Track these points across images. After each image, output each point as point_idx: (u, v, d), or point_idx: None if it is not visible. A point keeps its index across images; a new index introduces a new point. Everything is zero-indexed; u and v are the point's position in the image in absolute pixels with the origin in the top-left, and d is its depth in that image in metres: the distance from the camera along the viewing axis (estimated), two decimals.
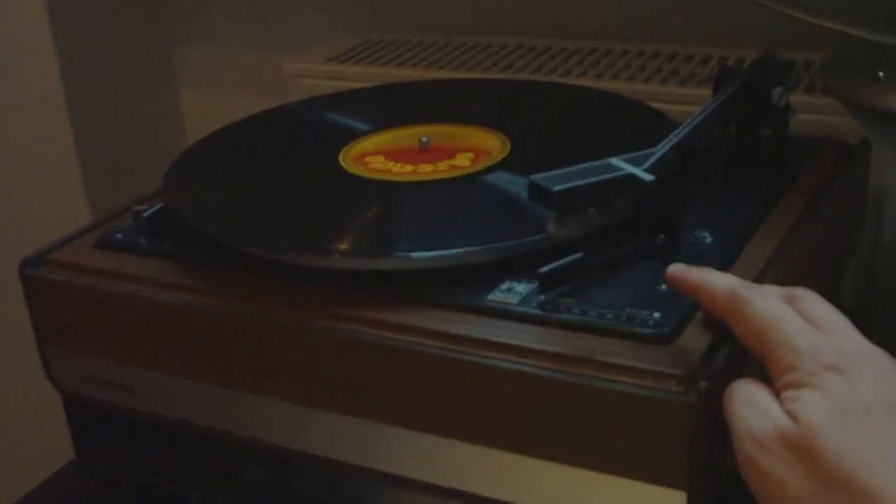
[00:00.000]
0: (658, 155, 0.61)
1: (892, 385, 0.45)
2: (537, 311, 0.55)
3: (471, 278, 0.58)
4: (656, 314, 0.54)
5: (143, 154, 1.16)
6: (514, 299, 0.56)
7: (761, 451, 0.45)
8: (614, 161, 0.60)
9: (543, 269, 0.56)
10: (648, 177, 0.59)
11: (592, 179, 0.58)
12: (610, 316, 0.54)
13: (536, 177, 0.59)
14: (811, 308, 0.49)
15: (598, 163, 0.60)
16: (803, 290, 0.51)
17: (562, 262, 0.57)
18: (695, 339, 0.53)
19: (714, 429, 0.50)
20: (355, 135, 0.76)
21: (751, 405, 0.47)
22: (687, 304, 0.54)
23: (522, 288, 0.57)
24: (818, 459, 0.44)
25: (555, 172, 0.59)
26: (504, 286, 0.57)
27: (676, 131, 0.64)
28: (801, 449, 0.44)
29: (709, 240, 0.61)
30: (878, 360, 0.47)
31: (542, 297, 0.56)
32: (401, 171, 0.69)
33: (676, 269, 0.54)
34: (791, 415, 0.45)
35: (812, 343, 0.47)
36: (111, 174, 1.13)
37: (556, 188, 0.57)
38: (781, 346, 0.47)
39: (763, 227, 0.63)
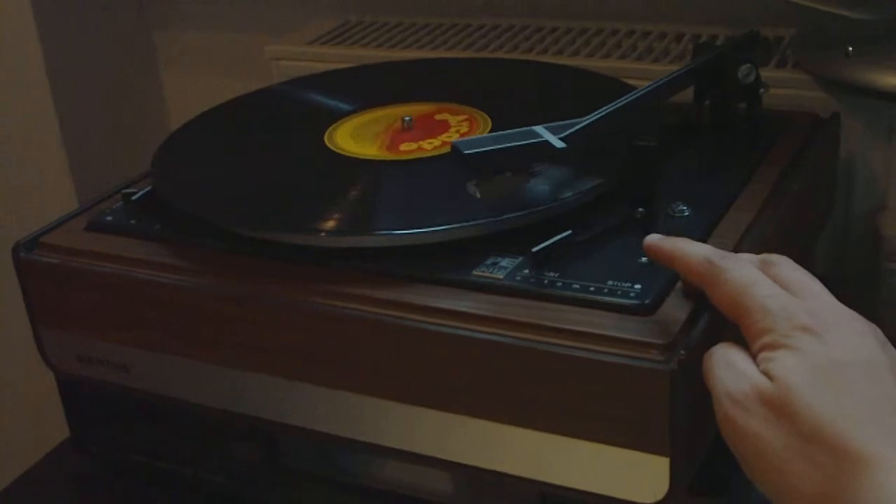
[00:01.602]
0: (581, 125, 0.62)
1: (865, 345, 0.46)
2: (522, 285, 0.56)
3: (456, 254, 0.59)
4: (637, 286, 0.55)
5: (127, 138, 1.15)
6: (499, 274, 0.57)
7: (739, 409, 0.46)
8: (536, 128, 0.61)
9: (536, 248, 0.57)
10: (560, 144, 0.60)
11: (506, 145, 0.60)
12: (593, 288, 0.55)
13: (458, 140, 0.60)
14: (785, 273, 0.50)
15: (521, 129, 0.61)
16: (777, 256, 0.52)
17: (553, 240, 0.57)
18: (675, 309, 0.54)
19: (695, 395, 0.50)
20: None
21: (728, 367, 0.48)
22: (667, 275, 0.55)
23: (507, 262, 0.58)
24: (795, 415, 0.44)
25: (477, 137, 0.60)
26: (489, 261, 0.58)
27: (609, 105, 0.65)
28: (778, 406, 0.45)
29: (687, 212, 0.61)
30: (851, 322, 0.48)
31: (527, 271, 0.57)
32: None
33: (653, 239, 0.55)
34: (767, 374, 0.46)
35: (785, 306, 0.48)
36: (96, 159, 1.12)
37: (468, 151, 0.59)
38: (756, 310, 0.48)
39: (739, 200, 0.64)
